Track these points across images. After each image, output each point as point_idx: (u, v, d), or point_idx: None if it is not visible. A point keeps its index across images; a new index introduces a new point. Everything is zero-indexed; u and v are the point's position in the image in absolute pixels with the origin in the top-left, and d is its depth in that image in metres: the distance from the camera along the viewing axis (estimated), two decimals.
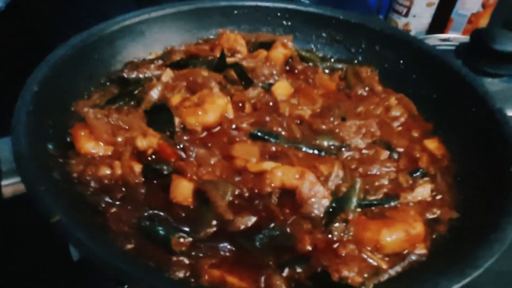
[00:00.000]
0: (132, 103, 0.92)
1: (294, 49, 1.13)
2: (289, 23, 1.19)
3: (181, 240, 0.67)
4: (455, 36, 1.53)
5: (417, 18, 1.72)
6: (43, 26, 1.34)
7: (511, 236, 0.61)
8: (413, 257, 0.69)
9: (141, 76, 1.01)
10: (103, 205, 0.72)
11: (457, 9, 1.70)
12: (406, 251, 0.69)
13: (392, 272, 0.66)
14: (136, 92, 0.95)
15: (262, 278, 0.63)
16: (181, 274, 0.63)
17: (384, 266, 0.67)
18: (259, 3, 1.18)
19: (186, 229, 0.69)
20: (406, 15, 1.73)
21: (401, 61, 1.07)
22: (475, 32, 1.31)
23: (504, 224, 0.63)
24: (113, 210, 0.71)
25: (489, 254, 0.59)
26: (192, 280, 0.62)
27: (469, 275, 0.56)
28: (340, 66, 1.13)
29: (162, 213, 0.72)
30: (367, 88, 1.05)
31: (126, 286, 0.78)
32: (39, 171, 0.66)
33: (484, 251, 0.60)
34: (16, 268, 0.82)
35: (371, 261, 0.68)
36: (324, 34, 1.18)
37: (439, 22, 1.75)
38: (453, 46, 1.36)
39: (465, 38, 1.37)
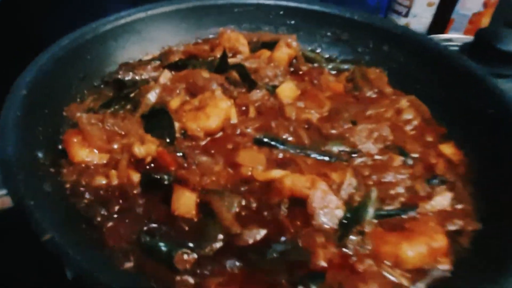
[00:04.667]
0: (128, 107, 0.87)
1: (299, 49, 1.08)
2: (292, 22, 1.15)
3: (185, 256, 0.62)
4: (457, 36, 1.50)
5: (417, 18, 1.69)
6: (34, 25, 1.28)
7: None
8: (436, 273, 0.64)
9: (137, 78, 0.96)
10: (99, 219, 0.66)
11: (458, 9, 1.67)
12: (428, 266, 0.64)
13: None
14: (132, 95, 0.90)
15: None
16: None
17: (406, 283, 0.62)
18: (261, 1, 1.14)
19: (190, 244, 0.64)
20: (406, 15, 1.69)
21: (411, 61, 1.03)
22: (479, 32, 1.29)
23: None
24: (110, 224, 0.66)
25: None
26: None
27: None
28: (346, 66, 1.08)
29: (163, 227, 0.67)
30: (376, 90, 1.00)
31: None
32: (28, 183, 0.61)
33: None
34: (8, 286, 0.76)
35: (391, 277, 0.63)
36: (329, 33, 1.13)
37: (440, 22, 1.72)
38: (456, 47, 1.33)
39: (468, 38, 1.35)
